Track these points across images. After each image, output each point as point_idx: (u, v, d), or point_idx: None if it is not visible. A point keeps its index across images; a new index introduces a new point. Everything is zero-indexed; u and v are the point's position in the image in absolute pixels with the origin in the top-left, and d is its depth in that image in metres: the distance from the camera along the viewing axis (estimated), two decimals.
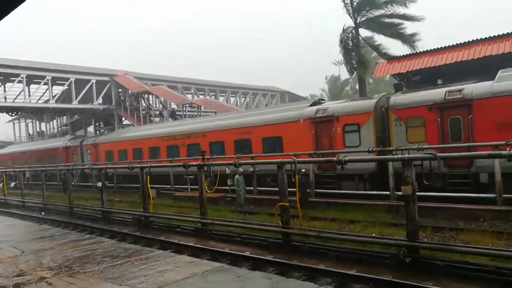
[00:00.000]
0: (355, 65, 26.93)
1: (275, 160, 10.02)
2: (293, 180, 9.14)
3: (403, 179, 7.38)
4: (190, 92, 44.96)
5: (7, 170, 29.24)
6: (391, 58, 21.23)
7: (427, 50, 18.91)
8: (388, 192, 12.58)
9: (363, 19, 27.22)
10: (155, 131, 24.37)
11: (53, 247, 7.85)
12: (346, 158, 8.54)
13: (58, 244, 8.13)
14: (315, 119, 15.35)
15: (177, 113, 37.71)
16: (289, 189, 9.44)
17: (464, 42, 17.43)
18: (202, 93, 45.89)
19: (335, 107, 15.18)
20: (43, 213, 18.70)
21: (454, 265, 6.96)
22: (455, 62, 16.82)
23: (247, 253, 9.01)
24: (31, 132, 49.25)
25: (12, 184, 28.07)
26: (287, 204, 9.33)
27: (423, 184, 8.96)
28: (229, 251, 9.28)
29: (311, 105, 16.35)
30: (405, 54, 20.68)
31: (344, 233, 9.25)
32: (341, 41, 26.55)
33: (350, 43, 27.22)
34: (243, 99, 50.72)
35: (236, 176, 15.01)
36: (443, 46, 18.11)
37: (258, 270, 6.63)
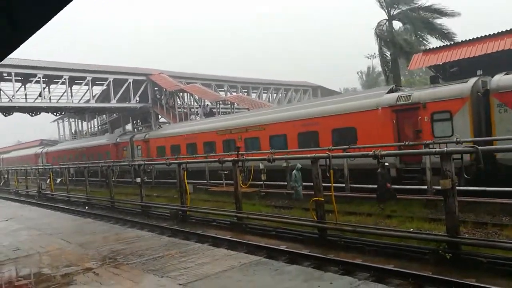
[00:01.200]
0: (389, 57, 26.49)
1: (308, 155, 10.02)
2: (328, 175, 9.12)
3: (442, 173, 7.20)
4: (223, 89, 45.45)
5: (53, 166, 30.79)
6: (427, 50, 20.58)
7: (464, 41, 18.19)
8: (426, 187, 12.26)
9: (396, 11, 26.75)
10: (210, 125, 23.46)
11: (97, 240, 8.23)
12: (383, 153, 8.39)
13: (102, 237, 8.52)
14: (397, 107, 13.88)
15: (211, 108, 38.25)
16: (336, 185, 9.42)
17: (506, 31, 16.61)
18: (235, 90, 46.26)
19: (421, 93, 13.69)
20: (86, 207, 19.58)
21: (498, 262, 6.73)
22: (496, 51, 16.06)
23: (283, 247, 9.09)
24: (73, 130, 51.51)
25: (58, 180, 29.46)
26: (322, 199, 9.33)
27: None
28: (265, 245, 9.39)
29: (388, 92, 14.98)
30: (441, 45, 20.02)
31: (381, 228, 9.13)
32: (376, 34, 26.18)
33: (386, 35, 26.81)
34: (275, 95, 50.69)
35: (294, 172, 13.99)
36: (481, 36, 17.35)
37: (295, 264, 6.70)
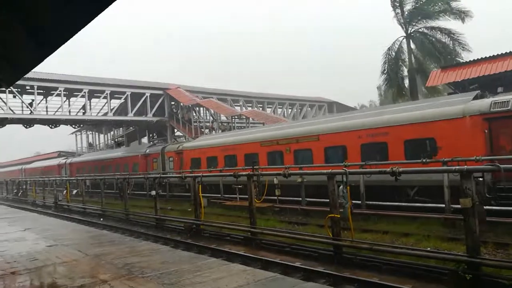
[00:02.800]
0: (402, 76, 26.72)
1: (324, 171, 9.95)
2: (344, 191, 9.03)
3: (462, 192, 7.06)
4: (238, 104, 45.81)
5: (70, 178, 31.25)
6: (445, 67, 20.46)
7: (484, 57, 18.03)
8: (443, 205, 12.00)
9: (414, 29, 26.92)
10: (253, 135, 21.59)
11: (112, 252, 8.26)
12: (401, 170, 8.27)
13: (117, 249, 8.54)
14: (490, 114, 12.07)
15: (224, 124, 38.55)
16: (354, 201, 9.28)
17: None
18: (250, 104, 46.57)
19: None
20: (101, 219, 19.75)
21: None
22: None
23: (297, 264, 8.98)
24: (90, 143, 52.38)
25: (74, 191, 29.87)
26: (338, 216, 9.22)
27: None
28: (280, 261, 9.30)
29: (474, 98, 13.33)
30: (460, 62, 19.90)
31: (398, 246, 8.94)
32: (389, 52, 26.41)
33: (394, 54, 27.04)
34: (290, 110, 50.84)
35: (340, 187, 13.53)
36: (502, 53, 17.19)
37: (310, 281, 6.60)
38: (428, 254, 8.09)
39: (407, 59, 28.04)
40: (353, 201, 10.01)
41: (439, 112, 13.34)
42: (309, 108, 51.96)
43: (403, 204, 13.27)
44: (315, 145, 16.92)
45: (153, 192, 16.40)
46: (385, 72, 28.31)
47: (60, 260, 7.65)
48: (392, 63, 27.57)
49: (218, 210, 18.30)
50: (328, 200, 9.66)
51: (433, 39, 25.99)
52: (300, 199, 16.22)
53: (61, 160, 45.93)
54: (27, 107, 32.86)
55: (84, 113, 37.20)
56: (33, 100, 33.53)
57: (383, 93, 58.52)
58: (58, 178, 33.87)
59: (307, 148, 17.31)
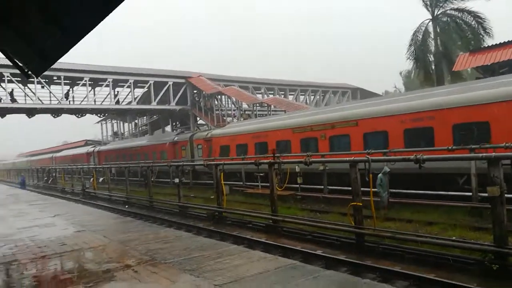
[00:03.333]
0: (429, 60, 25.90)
1: (346, 159, 9.83)
2: (367, 179, 8.91)
3: (489, 180, 6.85)
4: (260, 92, 45.63)
5: (96, 166, 32.05)
6: (474, 50, 19.71)
7: None
8: (470, 193, 11.68)
9: (440, 11, 26.04)
10: (284, 121, 20.72)
11: (136, 238, 8.46)
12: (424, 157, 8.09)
13: (141, 235, 8.74)
14: None
15: (247, 112, 38.53)
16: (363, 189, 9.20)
17: None
18: (272, 92, 46.33)
19: None
20: (126, 206, 20.23)
21: None
22: None
23: (319, 252, 8.98)
24: (114, 131, 53.43)
25: (101, 179, 30.64)
26: (360, 204, 9.13)
27: None
28: (301, 249, 9.32)
29: None
30: (490, 45, 19.11)
31: (422, 235, 8.80)
32: (413, 37, 25.68)
33: (421, 37, 26.25)
34: (312, 97, 50.30)
35: (380, 175, 12.28)
36: None
37: (331, 269, 6.58)
38: (453, 243, 7.93)
39: (433, 43, 27.22)
40: (375, 189, 9.84)
41: (494, 94, 12.16)
42: (332, 95, 51.27)
43: (428, 192, 12.98)
44: (353, 131, 16.05)
45: (176, 180, 16.65)
46: (412, 56, 27.58)
47: (87, 245, 7.90)
48: (420, 47, 26.79)
49: (240, 197, 18.43)
50: (350, 188, 9.56)
51: (460, 21, 25.05)
52: (322, 187, 16.16)
53: (90, 149, 46.70)
54: (65, 98, 33.98)
55: (117, 102, 37.92)
56: (68, 90, 34.48)
57: (405, 78, 57.11)
58: (85, 166, 34.85)
59: (344, 134, 16.48)
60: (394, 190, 13.65)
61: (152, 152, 32.61)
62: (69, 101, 34.59)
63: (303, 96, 49.70)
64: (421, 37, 27.17)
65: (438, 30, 27.00)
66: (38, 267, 6.52)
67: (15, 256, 7.30)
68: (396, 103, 15.22)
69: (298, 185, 16.64)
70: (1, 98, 31.42)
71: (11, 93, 31.73)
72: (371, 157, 9.37)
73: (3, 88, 31.72)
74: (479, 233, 9.27)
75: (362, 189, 9.29)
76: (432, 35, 27.50)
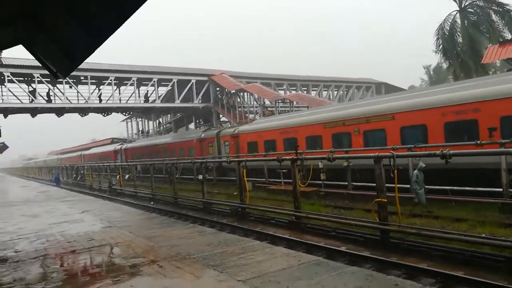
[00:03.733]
0: (458, 52, 25.09)
1: (371, 154, 9.70)
2: (392, 175, 8.77)
3: None
4: (282, 88, 45.51)
5: (122, 164, 32.76)
6: (504, 41, 19.03)
7: None
8: (501, 189, 11.31)
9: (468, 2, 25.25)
10: (315, 116, 20.05)
11: (161, 234, 8.61)
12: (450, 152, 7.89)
13: (166, 231, 8.90)
14: None
15: (270, 109, 38.50)
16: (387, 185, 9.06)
17: None
18: (294, 88, 46.12)
19: None
20: (152, 202, 20.61)
21: None
22: None
23: (342, 248, 8.92)
24: (140, 129, 54.42)
25: (127, 176, 31.30)
26: (385, 200, 9.00)
27: None
28: (325, 245, 9.28)
29: None
30: None
31: (449, 232, 8.58)
32: (440, 29, 24.97)
33: (448, 29, 25.51)
34: (335, 92, 49.76)
35: (415, 172, 11.97)
36: None
37: (355, 265, 6.53)
38: (483, 240, 7.71)
39: (460, 35, 26.44)
40: (400, 185, 9.65)
41: None
42: (355, 90, 50.59)
43: (455, 188, 12.64)
44: (389, 125, 15.47)
45: (200, 176, 16.83)
46: (439, 49, 26.87)
47: (114, 241, 8.10)
48: (447, 39, 26.06)
49: (263, 194, 18.48)
50: (375, 184, 9.43)
51: (489, 11, 24.21)
52: (346, 183, 16.01)
53: (117, 146, 47.43)
54: (98, 98, 35.17)
55: (146, 100, 38.69)
56: (100, 89, 35.48)
57: (431, 72, 55.65)
58: (112, 164, 35.64)
59: (380, 128, 15.90)
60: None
61: (179, 149, 32.68)
62: (100, 100, 35.65)
63: (326, 92, 49.26)
64: (448, 29, 26.44)
65: (466, 22, 26.21)
66: (68, 261, 6.75)
67: (47, 250, 7.58)
68: (436, 95, 14.50)
69: (321, 182, 16.54)
70: (33, 99, 32.55)
71: (47, 94, 32.87)
72: (396, 153, 9.20)
73: (34, 88, 32.84)
74: (510, 230, 8.98)
75: (387, 185, 9.16)
76: (459, 27, 26.70)
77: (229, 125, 32.90)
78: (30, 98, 32.56)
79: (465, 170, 11.89)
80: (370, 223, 9.62)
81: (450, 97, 13.80)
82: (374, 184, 9.51)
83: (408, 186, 13.50)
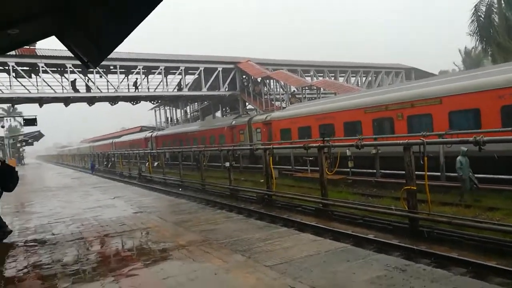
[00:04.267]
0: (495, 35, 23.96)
1: (400, 141, 9.51)
2: (422, 162, 8.58)
3: None
4: (309, 74, 44.98)
5: (151, 151, 33.47)
6: None
7: None
8: None
9: None
10: (354, 101, 19.06)
11: (190, 219, 8.80)
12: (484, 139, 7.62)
13: (194, 217, 9.08)
14: None
15: (297, 96, 38.22)
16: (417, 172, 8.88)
17: None
18: (321, 74, 45.49)
19: None
20: (180, 189, 21.02)
21: None
22: None
23: (370, 236, 8.85)
24: (170, 117, 55.27)
25: (156, 163, 31.98)
26: (415, 188, 8.83)
27: None
28: (352, 233, 9.23)
29: None
30: None
31: (481, 221, 8.35)
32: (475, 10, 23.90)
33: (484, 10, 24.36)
34: (364, 78, 48.76)
35: (459, 158, 11.25)
36: None
37: (383, 253, 6.48)
38: None
39: (497, 17, 25.25)
40: (430, 173, 9.44)
41: None
42: (385, 76, 49.40)
43: (489, 176, 12.22)
44: (436, 109, 14.60)
45: (227, 164, 17.00)
46: (475, 32, 25.79)
47: (145, 226, 8.35)
48: (484, 21, 24.97)
49: (289, 181, 18.49)
50: (404, 172, 9.26)
51: None
52: (375, 171, 15.80)
53: (147, 134, 47.77)
54: (133, 86, 36.02)
55: (180, 88, 39.17)
56: (137, 79, 36.24)
57: (464, 55, 53.42)
58: (141, 151, 36.47)
59: (426, 113, 15.07)
60: (452, 174, 13.03)
61: (209, 137, 32.46)
62: (136, 87, 36.39)
63: (354, 78, 48.36)
64: (484, 10, 25.31)
65: (503, 2, 24.95)
66: (102, 245, 7.01)
67: (82, 234, 7.91)
68: (490, 76, 13.45)
69: (349, 169, 16.39)
70: (72, 88, 33.63)
71: (73, 82, 33.80)
72: (426, 140, 8.99)
73: (66, 78, 33.86)
74: None
75: (416, 172, 8.98)
76: (496, 8, 25.48)
77: (261, 112, 32.38)
78: (64, 88, 33.60)
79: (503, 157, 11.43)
80: (398, 211, 9.48)
81: (508, 78, 12.68)
82: (403, 172, 9.34)
83: (438, 173, 13.23)
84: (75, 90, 33.92)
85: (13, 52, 29.06)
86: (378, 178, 15.50)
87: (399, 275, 4.54)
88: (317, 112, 20.89)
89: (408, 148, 8.96)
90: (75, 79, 33.93)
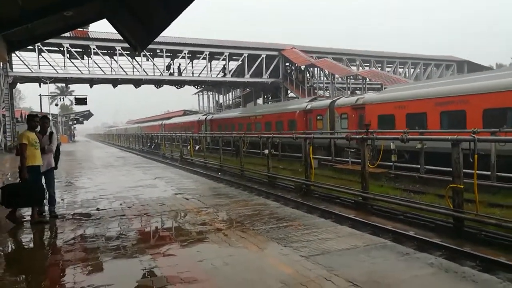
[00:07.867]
0: None
1: (448, 137, 9.03)
2: (471, 160, 8.13)
3: None
4: (355, 64, 43.83)
5: (193, 135, 34.04)
6: None
7: None
8: None
9: None
10: (503, 80, 13.90)
11: (228, 204, 8.89)
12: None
13: (232, 202, 9.16)
14: None
15: (341, 86, 37.42)
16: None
17: None
18: (368, 64, 44.18)
19: None
20: (219, 173, 21.30)
21: None
22: None
23: (411, 233, 8.55)
24: (211, 103, 56.02)
25: (197, 147, 32.54)
26: (461, 186, 8.39)
27: None
28: (392, 228, 8.95)
29: None
30: None
31: None
32: None
33: None
34: (412, 70, 46.86)
35: None
36: None
37: (424, 251, 6.23)
38: None
39: None
40: (479, 172, 8.91)
41: None
42: (434, 68, 47.23)
43: None
44: None
45: (266, 151, 16.98)
46: None
47: (183, 207, 8.53)
48: None
49: (328, 172, 18.21)
50: (450, 169, 8.81)
51: None
52: (419, 166, 15.20)
53: (201, 117, 44.95)
54: (178, 71, 37.00)
55: (224, 74, 39.66)
56: (169, 63, 37.07)
57: None
58: (184, 135, 37.20)
59: None
60: (503, 174, 12.29)
61: (276, 122, 28.12)
62: (170, 73, 37.13)
63: (401, 69, 46.62)
64: None
65: None
66: (142, 223, 7.24)
67: (123, 211, 8.20)
68: None
69: (392, 163, 15.88)
70: (115, 71, 34.86)
71: (168, 66, 35.25)
72: (478, 136, 8.48)
73: (115, 61, 35.05)
74: None
75: (464, 170, 8.51)
76: None
77: (348, 94, 28.08)
78: (113, 70, 34.83)
79: None
80: (442, 209, 9.07)
81: None
82: (449, 169, 8.89)
83: (489, 173, 12.50)
84: (171, 73, 35.56)
85: (67, 34, 30.43)
86: (422, 174, 14.91)
87: (444, 275, 4.33)
88: (438, 94, 16.00)
89: (457, 145, 8.51)
90: (170, 63, 35.36)
